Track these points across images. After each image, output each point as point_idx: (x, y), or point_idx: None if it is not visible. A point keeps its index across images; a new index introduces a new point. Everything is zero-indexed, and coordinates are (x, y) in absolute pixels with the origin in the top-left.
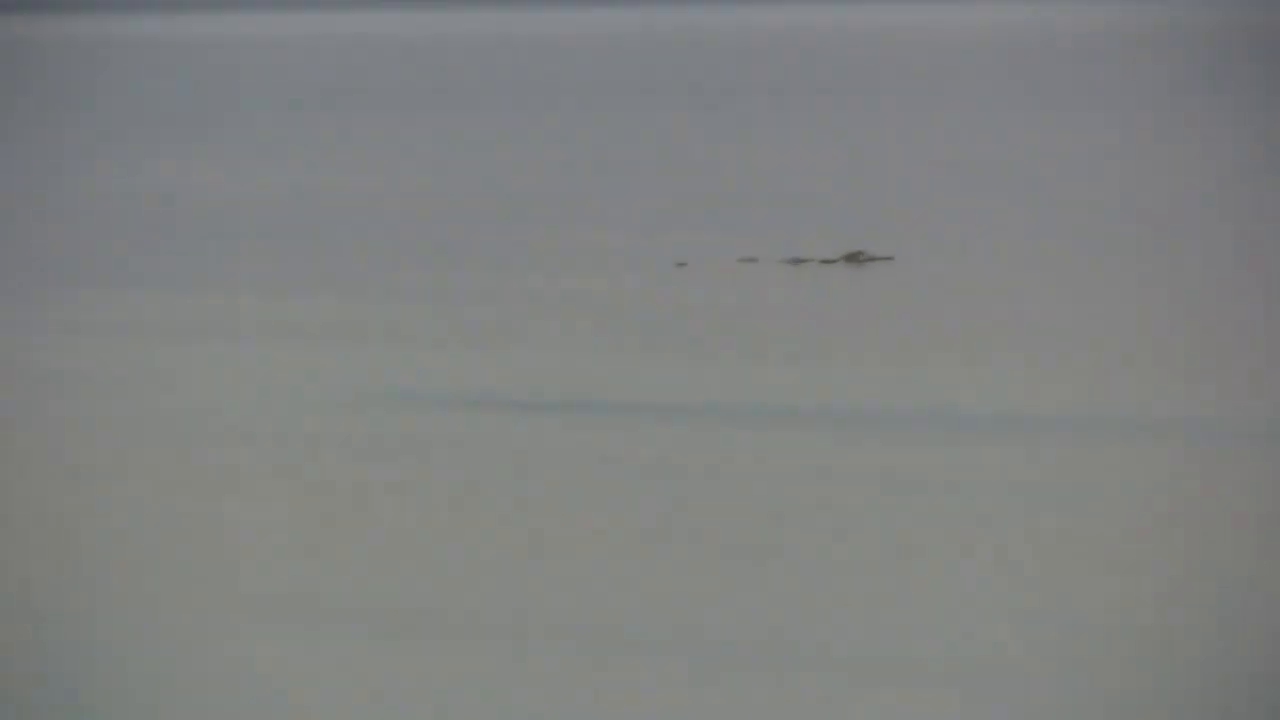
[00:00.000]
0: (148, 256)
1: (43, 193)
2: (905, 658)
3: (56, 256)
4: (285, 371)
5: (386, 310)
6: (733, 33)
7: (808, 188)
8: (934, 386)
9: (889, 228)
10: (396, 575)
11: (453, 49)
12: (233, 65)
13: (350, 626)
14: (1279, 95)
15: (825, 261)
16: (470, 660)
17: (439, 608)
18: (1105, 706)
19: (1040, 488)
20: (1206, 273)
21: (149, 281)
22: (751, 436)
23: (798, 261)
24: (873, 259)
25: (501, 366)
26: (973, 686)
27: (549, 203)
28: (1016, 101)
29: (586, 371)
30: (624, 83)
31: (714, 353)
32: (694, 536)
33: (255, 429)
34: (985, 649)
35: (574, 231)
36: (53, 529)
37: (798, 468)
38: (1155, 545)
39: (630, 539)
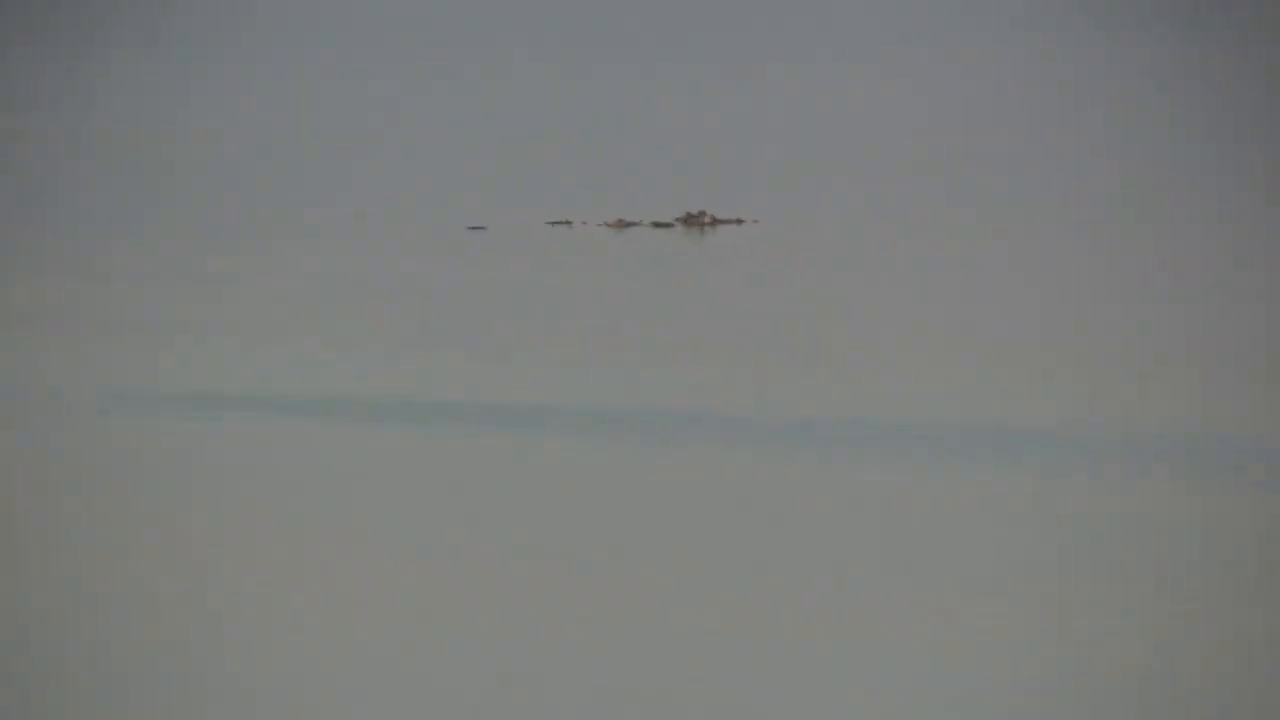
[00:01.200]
0: None
1: None
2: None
3: None
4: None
5: (113, 295)
6: None
7: (637, 140)
8: (801, 386)
9: (741, 187)
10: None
11: None
12: None
13: None
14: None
15: (658, 225)
16: None
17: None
18: None
19: (904, 496)
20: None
21: None
22: (555, 438)
23: (623, 225)
24: (720, 222)
25: (271, 352)
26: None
27: (315, 156)
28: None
29: (362, 360)
30: (415, 17)
31: (508, 337)
32: (495, 541)
33: None
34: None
35: (352, 190)
36: None
37: (612, 474)
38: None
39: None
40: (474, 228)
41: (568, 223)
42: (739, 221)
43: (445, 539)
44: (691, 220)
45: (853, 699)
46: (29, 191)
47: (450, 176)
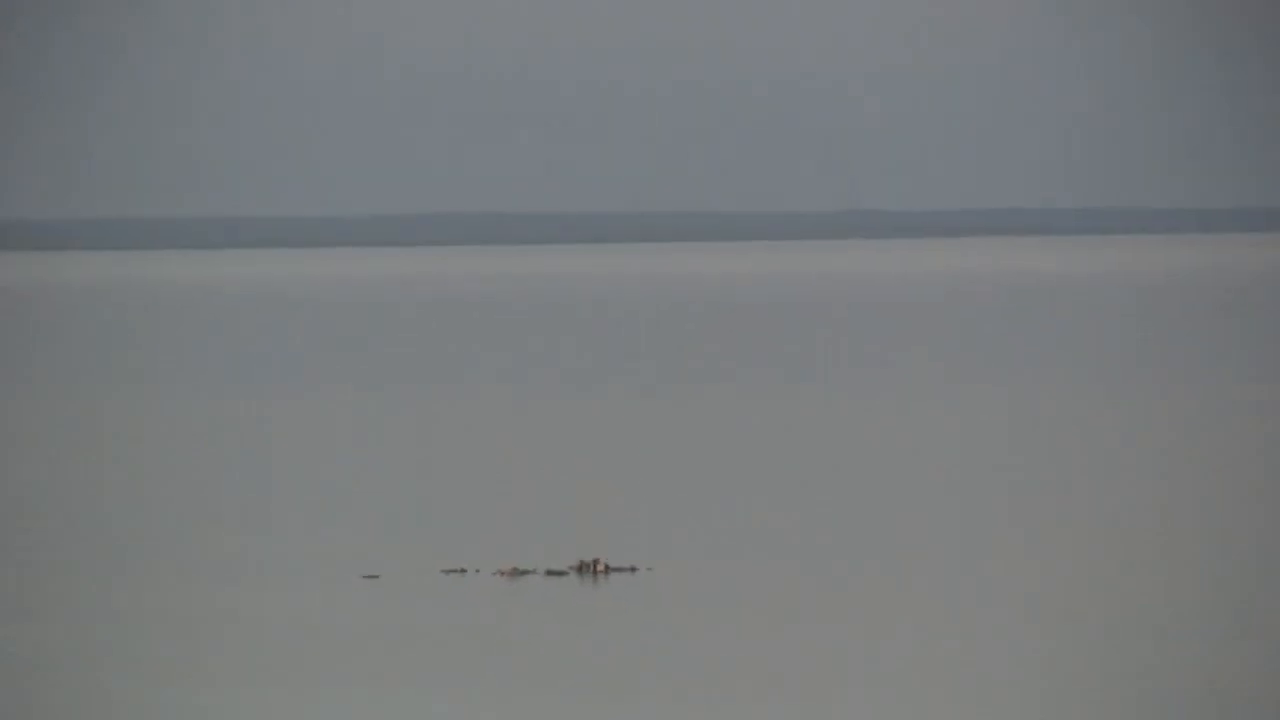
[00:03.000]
0: None
1: None
2: None
3: None
4: None
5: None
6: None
7: (529, 486)
8: None
9: (633, 534)
10: None
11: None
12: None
13: None
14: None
15: (552, 573)
16: None
17: None
18: None
19: None
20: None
21: None
22: None
23: (517, 574)
24: (613, 570)
25: (150, 700)
26: None
27: (203, 505)
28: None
29: (248, 714)
30: (280, 355)
31: (407, 689)
32: None
33: None
34: None
35: (235, 536)
36: None
37: None
38: None
39: None
40: (368, 576)
41: (462, 570)
42: (633, 569)
43: None
44: (585, 568)
45: None
46: None
47: (341, 523)
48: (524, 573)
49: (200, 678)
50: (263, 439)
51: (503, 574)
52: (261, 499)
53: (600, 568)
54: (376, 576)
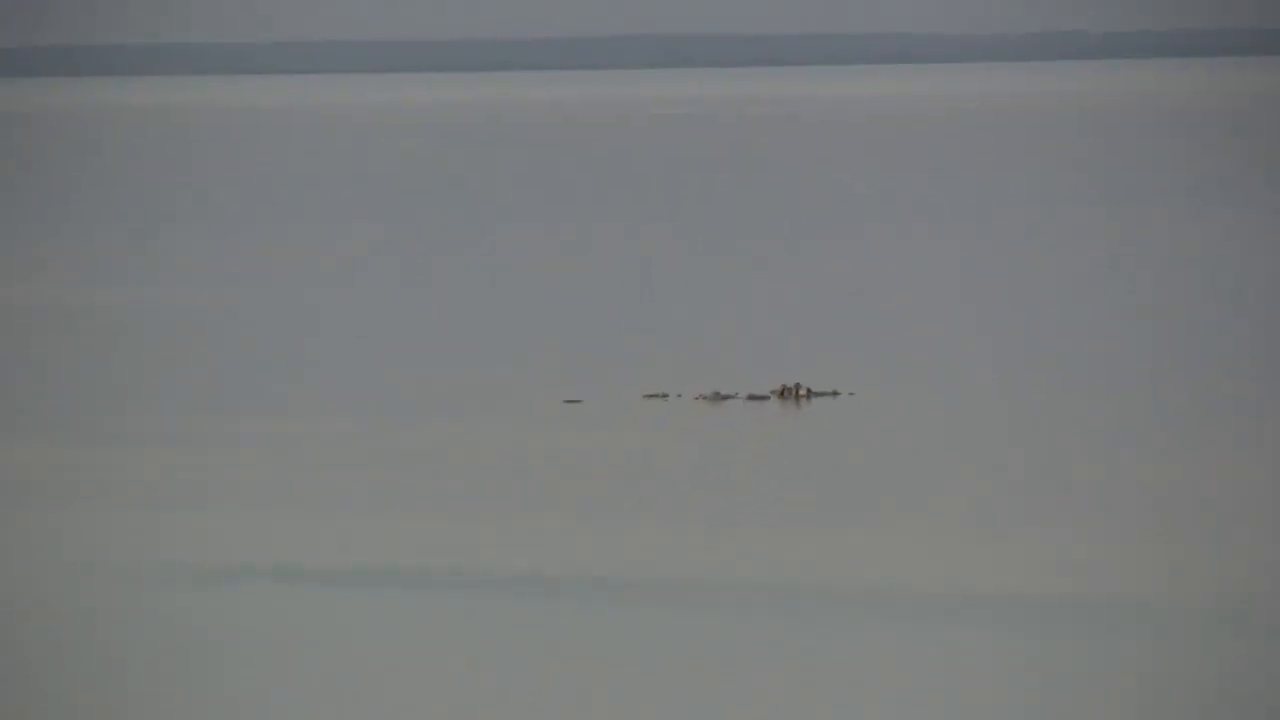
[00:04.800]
0: None
1: None
2: None
3: None
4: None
5: (234, 465)
6: (625, 125)
7: (733, 312)
8: (891, 558)
9: (837, 358)
10: None
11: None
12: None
13: None
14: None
15: (753, 397)
16: None
17: None
18: None
19: (1001, 673)
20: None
21: None
22: (648, 613)
23: (718, 398)
24: (815, 395)
25: (373, 529)
26: None
27: (410, 331)
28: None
29: (459, 538)
30: (496, 188)
31: (607, 509)
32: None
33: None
34: None
35: (443, 363)
36: None
37: (701, 654)
38: None
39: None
40: (570, 401)
41: (664, 395)
42: (834, 394)
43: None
44: (786, 393)
45: None
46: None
47: (544, 349)
48: (725, 397)
49: (399, 506)
50: (465, 272)
51: (704, 398)
52: (466, 328)
53: (802, 392)
54: (579, 401)
